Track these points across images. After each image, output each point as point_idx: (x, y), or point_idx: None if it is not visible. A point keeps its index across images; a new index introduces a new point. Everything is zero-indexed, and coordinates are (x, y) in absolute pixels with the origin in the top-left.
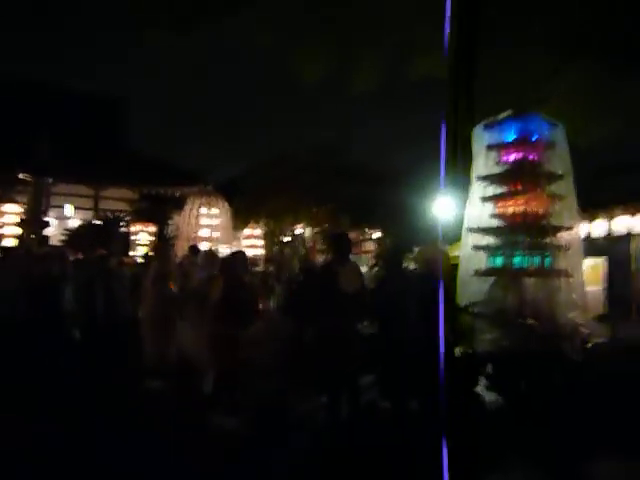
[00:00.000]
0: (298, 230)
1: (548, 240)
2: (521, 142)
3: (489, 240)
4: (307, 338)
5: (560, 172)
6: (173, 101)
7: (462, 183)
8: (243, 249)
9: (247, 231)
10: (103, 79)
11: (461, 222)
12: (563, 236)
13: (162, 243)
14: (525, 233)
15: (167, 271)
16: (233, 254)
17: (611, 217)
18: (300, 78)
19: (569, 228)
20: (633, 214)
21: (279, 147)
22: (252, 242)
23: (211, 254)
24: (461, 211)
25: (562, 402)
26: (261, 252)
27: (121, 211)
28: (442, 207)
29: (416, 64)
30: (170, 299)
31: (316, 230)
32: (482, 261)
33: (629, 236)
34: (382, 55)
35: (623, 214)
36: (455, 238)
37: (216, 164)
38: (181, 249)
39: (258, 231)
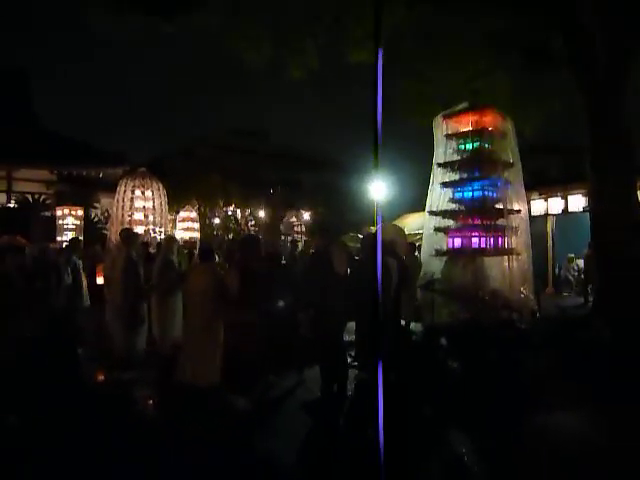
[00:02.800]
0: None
1: (501, 222)
2: (478, 132)
3: (448, 223)
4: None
5: (511, 160)
6: (96, 80)
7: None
8: (179, 232)
9: (183, 214)
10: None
11: (393, 203)
12: (513, 218)
13: (127, 228)
14: (481, 215)
15: (138, 258)
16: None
17: (529, 199)
18: (235, 62)
19: (518, 211)
20: (547, 198)
21: (203, 129)
22: (188, 225)
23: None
24: (393, 193)
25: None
26: (197, 235)
27: (40, 194)
28: (376, 189)
29: (350, 52)
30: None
31: (248, 212)
32: (442, 242)
33: (545, 217)
34: (318, 42)
35: (539, 197)
36: (389, 219)
37: (138, 145)
38: (115, 233)
39: (194, 214)
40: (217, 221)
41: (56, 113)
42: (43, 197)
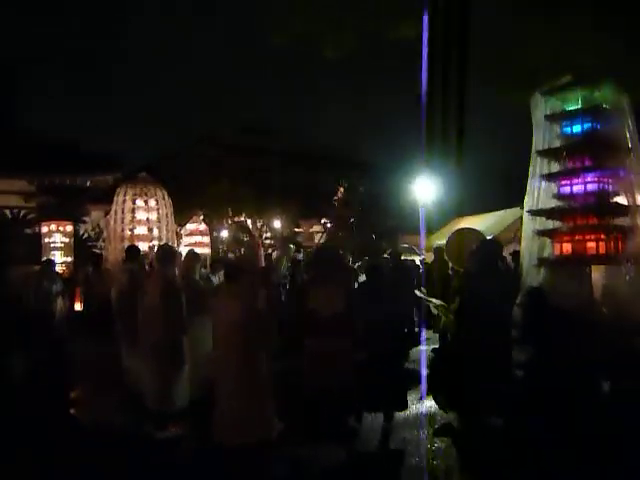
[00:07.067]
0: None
1: (622, 222)
2: (590, 110)
3: (554, 224)
4: None
5: (630, 144)
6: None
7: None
8: (184, 248)
9: (190, 226)
10: None
11: (443, 207)
12: (638, 217)
13: (165, 244)
14: (597, 215)
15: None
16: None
17: None
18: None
19: None
20: None
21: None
22: (197, 239)
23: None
24: (442, 195)
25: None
26: (208, 251)
27: (20, 208)
28: (422, 191)
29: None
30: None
31: (261, 222)
32: (546, 248)
33: None
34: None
35: None
36: (438, 225)
37: (132, 147)
38: (113, 252)
39: (203, 226)
40: (225, 234)
41: (35, 112)
42: (23, 212)
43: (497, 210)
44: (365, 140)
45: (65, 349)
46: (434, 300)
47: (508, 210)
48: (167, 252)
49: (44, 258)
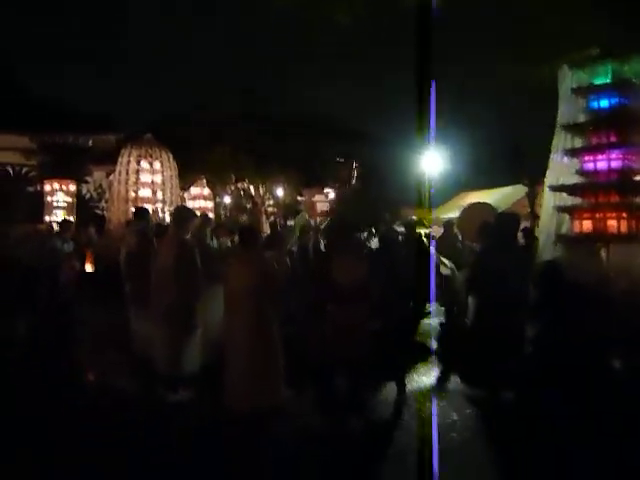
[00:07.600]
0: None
1: None
2: (619, 85)
3: (575, 200)
4: None
5: None
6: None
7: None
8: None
9: (194, 190)
10: None
11: (450, 180)
12: None
13: (181, 206)
14: (621, 192)
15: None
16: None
17: None
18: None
19: None
20: None
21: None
22: (200, 204)
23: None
24: (449, 167)
25: None
26: (212, 216)
27: (21, 165)
28: (429, 164)
29: None
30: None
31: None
32: (565, 225)
33: None
34: None
35: None
36: (441, 199)
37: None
38: (116, 213)
39: (207, 190)
40: (227, 200)
41: (32, 69)
42: (25, 169)
43: (498, 187)
44: (373, 113)
45: (72, 312)
46: (447, 262)
47: (515, 187)
48: (184, 214)
49: (54, 218)
